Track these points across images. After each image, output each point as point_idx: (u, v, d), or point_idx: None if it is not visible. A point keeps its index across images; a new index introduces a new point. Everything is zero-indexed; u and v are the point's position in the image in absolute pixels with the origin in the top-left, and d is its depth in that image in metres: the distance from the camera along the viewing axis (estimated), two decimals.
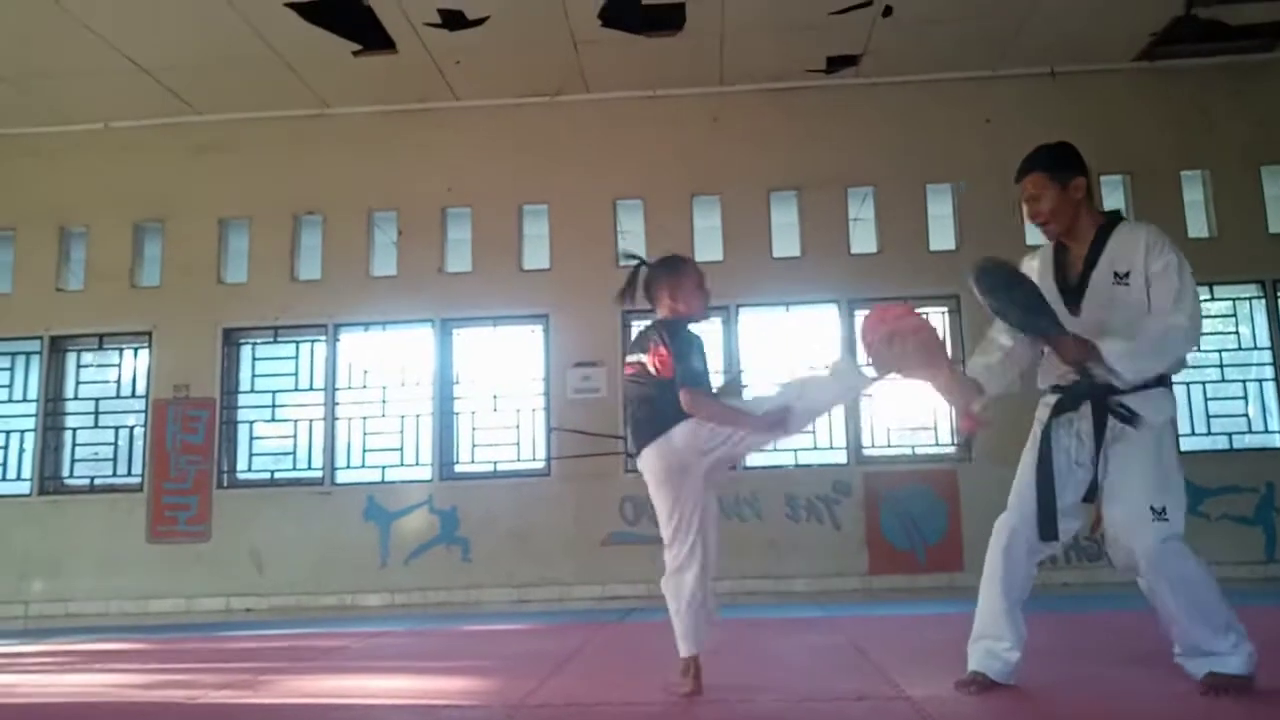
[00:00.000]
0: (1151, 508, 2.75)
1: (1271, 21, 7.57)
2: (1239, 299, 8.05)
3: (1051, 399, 3.00)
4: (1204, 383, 7.91)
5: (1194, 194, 8.16)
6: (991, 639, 2.94)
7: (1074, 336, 2.82)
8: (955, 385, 3.04)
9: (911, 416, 8.08)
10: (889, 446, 8.04)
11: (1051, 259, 3.08)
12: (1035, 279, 3.04)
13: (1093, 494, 2.89)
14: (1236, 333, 8.05)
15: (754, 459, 8.02)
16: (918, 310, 3.10)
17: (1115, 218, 3.03)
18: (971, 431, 3.19)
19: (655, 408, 3.22)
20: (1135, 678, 3.18)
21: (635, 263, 3.50)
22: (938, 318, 8.15)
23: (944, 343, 3.08)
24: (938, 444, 7.98)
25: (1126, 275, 2.87)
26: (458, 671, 4.14)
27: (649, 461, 3.28)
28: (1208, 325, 8.03)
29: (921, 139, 8.22)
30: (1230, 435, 7.85)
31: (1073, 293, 2.97)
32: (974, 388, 3.04)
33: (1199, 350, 7.95)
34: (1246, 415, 7.94)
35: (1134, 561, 2.79)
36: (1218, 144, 8.08)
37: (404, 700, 3.43)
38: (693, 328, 3.36)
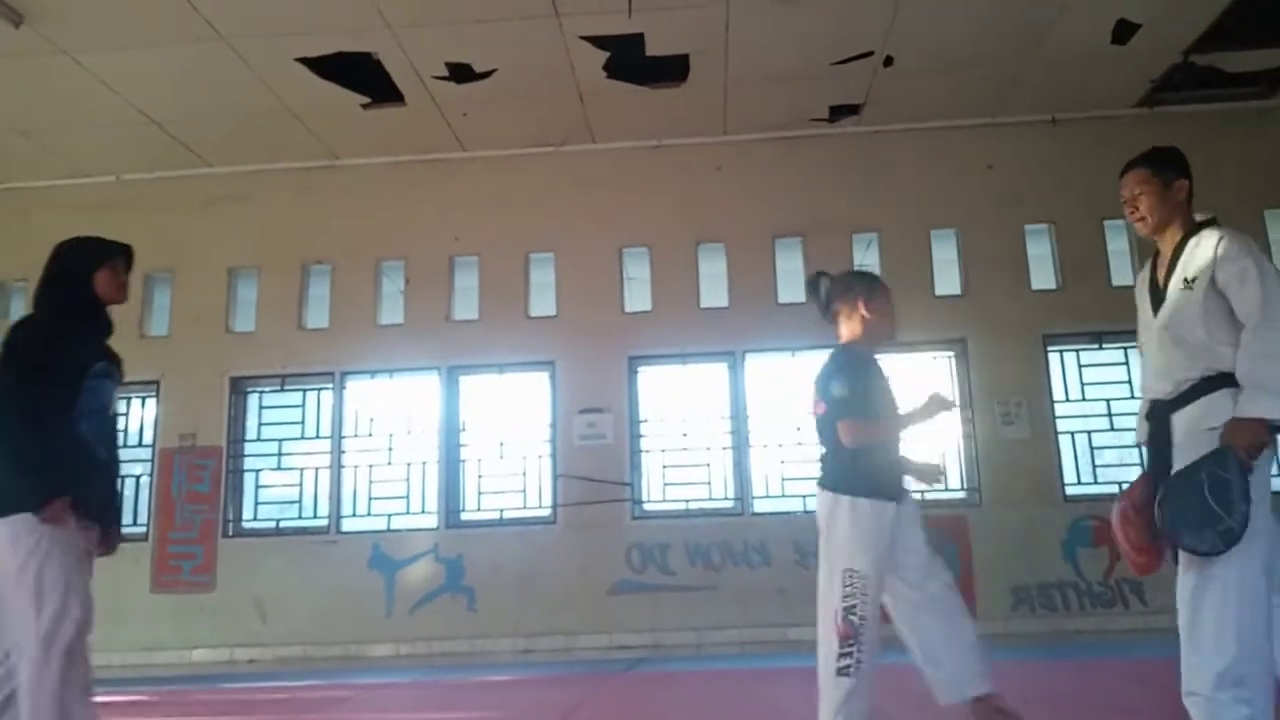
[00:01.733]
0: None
1: (1269, 69, 7.67)
2: None
3: (1146, 423, 2.94)
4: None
5: None
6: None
7: (1237, 427, 2.66)
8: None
9: (920, 459, 8.02)
10: None
11: (1149, 266, 3.09)
12: (1139, 289, 3.08)
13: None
14: None
15: (761, 506, 7.98)
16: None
17: (1204, 223, 3.00)
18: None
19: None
20: None
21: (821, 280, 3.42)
22: (944, 362, 8.16)
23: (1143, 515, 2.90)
24: (947, 488, 7.92)
25: (1193, 281, 2.84)
26: None
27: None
28: None
29: (924, 185, 8.30)
30: None
31: (1157, 296, 2.97)
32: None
33: None
34: None
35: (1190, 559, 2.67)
36: (1220, 189, 8.09)
37: None
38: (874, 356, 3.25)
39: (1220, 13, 6.81)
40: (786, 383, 8.26)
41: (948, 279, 8.21)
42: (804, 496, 7.99)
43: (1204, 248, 2.88)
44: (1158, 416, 2.87)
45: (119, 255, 3.26)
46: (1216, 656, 2.58)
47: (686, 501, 8.02)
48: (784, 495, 8.02)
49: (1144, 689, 2.80)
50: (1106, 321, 7.79)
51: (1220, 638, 2.59)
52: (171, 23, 6.43)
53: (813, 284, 3.46)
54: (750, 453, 8.05)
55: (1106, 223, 8.08)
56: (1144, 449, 2.95)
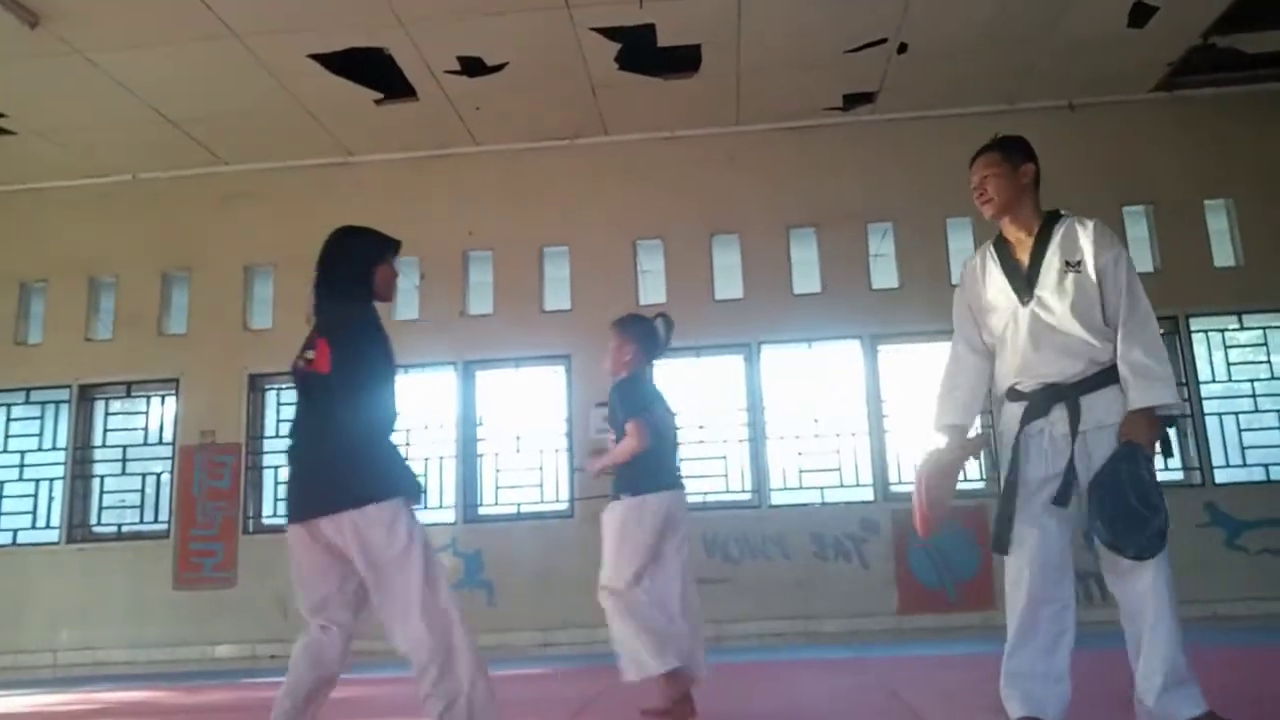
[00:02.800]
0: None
1: None
2: (1269, 328, 7.93)
3: (1016, 408, 2.94)
4: (1237, 413, 7.78)
5: (1218, 223, 8.09)
6: (1026, 678, 2.85)
7: (1135, 423, 2.73)
8: (963, 456, 3.09)
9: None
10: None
11: (994, 253, 3.07)
12: (978, 277, 3.07)
13: (1065, 499, 2.81)
14: (1268, 362, 7.92)
15: (779, 498, 7.95)
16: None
17: (1058, 213, 3.04)
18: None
19: None
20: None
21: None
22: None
23: (941, 477, 3.04)
24: (966, 479, 7.86)
25: (1078, 263, 2.88)
26: None
27: None
28: (1237, 355, 7.95)
29: (940, 173, 8.21)
30: (1267, 466, 7.69)
31: (1023, 281, 2.95)
32: (979, 444, 3.12)
33: (1230, 381, 7.85)
34: None
35: (1142, 583, 2.72)
36: (1241, 172, 8.03)
37: None
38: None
39: None
40: (803, 374, 8.23)
41: None
42: (821, 489, 7.97)
43: (1079, 234, 2.93)
44: (1063, 398, 2.83)
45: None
46: (1180, 652, 2.69)
47: (704, 494, 8.00)
48: (801, 488, 7.99)
49: (1108, 679, 2.78)
50: None
51: (1175, 636, 2.70)
52: (185, 21, 6.45)
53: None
54: (767, 445, 8.03)
55: (1126, 209, 7.99)
56: (1023, 433, 2.89)
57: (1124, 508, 2.67)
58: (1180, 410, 2.81)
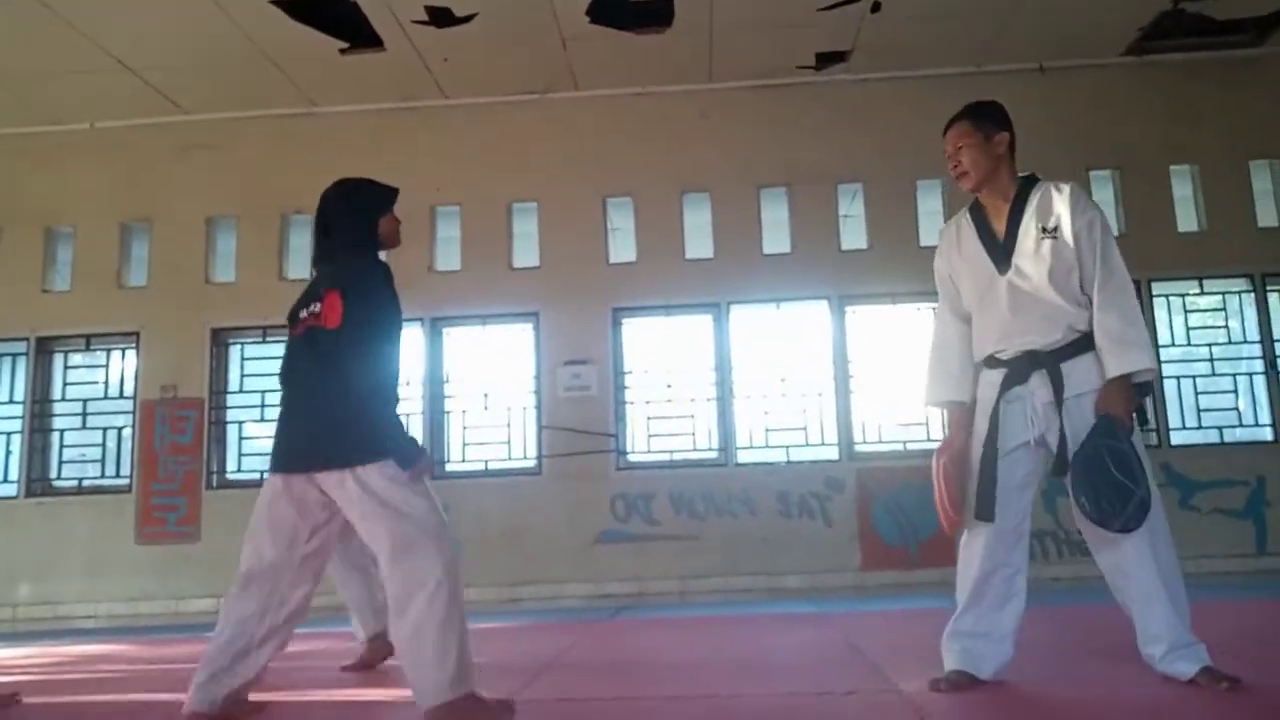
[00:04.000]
0: None
1: (1258, 15, 7.60)
2: (1228, 293, 8.07)
3: (994, 375, 2.95)
4: (1194, 377, 7.94)
5: (1183, 188, 8.18)
6: (969, 636, 2.91)
7: (1112, 392, 2.74)
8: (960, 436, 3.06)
9: (903, 412, 8.08)
10: (881, 442, 8.04)
11: (970, 220, 3.07)
12: (955, 244, 3.08)
13: (1063, 468, 2.83)
14: (1226, 327, 8.07)
15: (745, 456, 8.02)
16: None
17: (1034, 178, 3.03)
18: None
19: None
20: (1127, 672, 3.18)
21: None
22: (929, 313, 8.15)
23: (958, 468, 3.00)
24: (929, 439, 7.97)
25: (1055, 229, 2.87)
26: None
27: None
28: (1197, 319, 8.09)
29: (911, 135, 8.20)
30: (1221, 429, 7.88)
31: (1000, 249, 2.95)
32: (969, 412, 3.04)
33: (1189, 345, 7.99)
34: (1237, 409, 7.97)
35: (1129, 545, 2.75)
36: (1207, 138, 8.10)
37: (395, 698, 3.40)
38: None
39: None
40: (771, 335, 8.26)
41: (934, 230, 8.17)
42: (787, 448, 8.04)
43: (1053, 198, 2.92)
44: (1043, 365, 2.84)
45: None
46: (1182, 608, 2.74)
47: (671, 452, 8.06)
48: (768, 446, 8.06)
49: (1123, 634, 2.86)
50: None
51: (1180, 584, 2.76)
52: None
53: None
54: (734, 404, 8.08)
55: (1092, 173, 8.05)
56: (1004, 402, 2.89)
57: (1107, 480, 2.67)
58: (1153, 377, 2.82)
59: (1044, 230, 2.88)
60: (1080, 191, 2.94)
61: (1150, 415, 7.83)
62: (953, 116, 3.12)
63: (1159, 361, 7.77)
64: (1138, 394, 2.81)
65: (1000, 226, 2.99)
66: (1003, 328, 2.91)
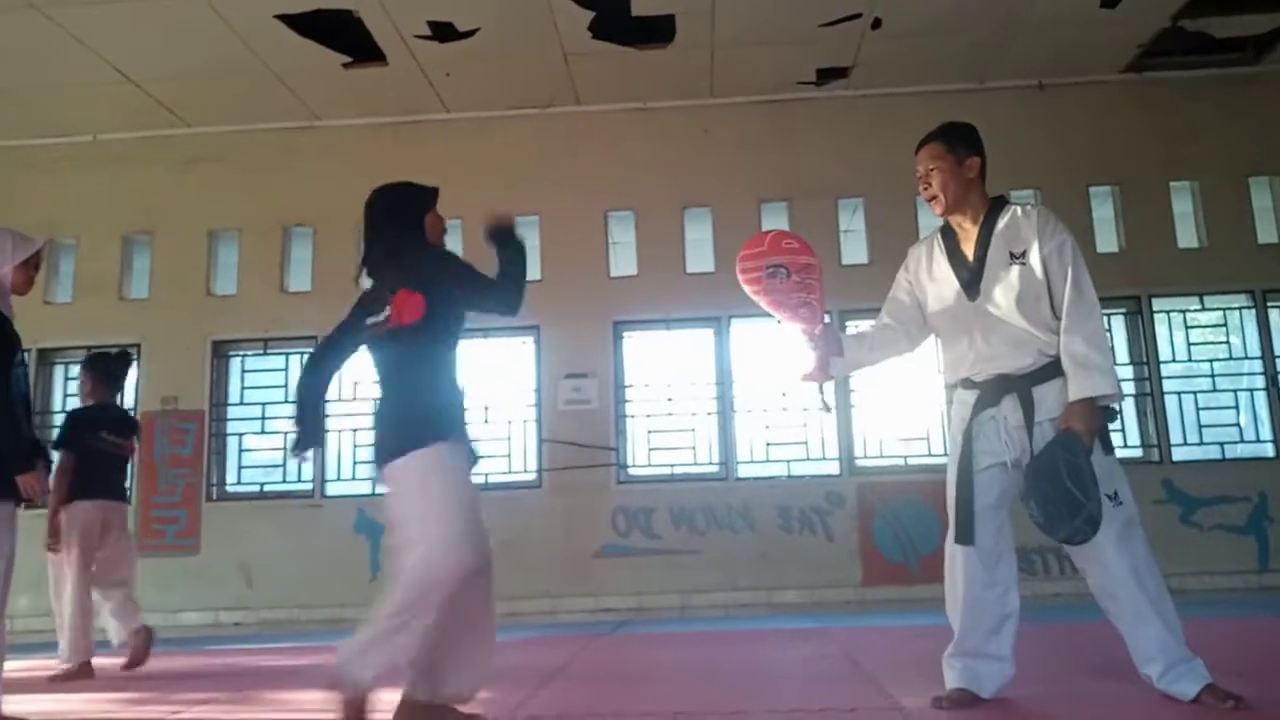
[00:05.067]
0: (1106, 495, 2.70)
1: (1256, 34, 7.64)
2: (1229, 309, 8.08)
3: (968, 396, 2.95)
4: (1195, 393, 7.93)
5: (1183, 205, 8.20)
6: (971, 656, 2.89)
7: (1074, 413, 2.73)
8: (823, 336, 3.09)
9: (904, 426, 8.08)
10: (881, 457, 8.03)
11: (941, 243, 3.07)
12: (925, 265, 3.09)
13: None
14: (1227, 343, 8.07)
15: (745, 471, 8.01)
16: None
17: (1003, 200, 3.02)
18: (814, 381, 3.11)
19: None
20: (1129, 690, 3.17)
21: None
22: None
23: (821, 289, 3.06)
24: (930, 454, 7.97)
25: (1023, 255, 2.86)
26: None
27: None
28: (1198, 335, 8.09)
29: (911, 150, 8.16)
30: (1222, 445, 7.87)
31: (970, 274, 2.94)
32: (837, 346, 3.10)
33: (1190, 361, 7.99)
34: (1238, 425, 7.96)
35: (1096, 554, 2.74)
36: (1206, 155, 8.13)
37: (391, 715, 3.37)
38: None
39: None
40: (772, 349, 8.26)
41: None
42: (788, 462, 8.03)
43: (1020, 222, 2.91)
44: (1014, 389, 2.83)
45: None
46: (1171, 635, 2.71)
47: (671, 466, 8.05)
48: (768, 460, 8.05)
49: (1124, 651, 2.84)
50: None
51: (1168, 602, 2.72)
52: None
53: None
54: (735, 418, 8.07)
55: (1092, 189, 8.08)
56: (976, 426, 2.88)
57: (1057, 491, 2.67)
58: (1117, 402, 2.81)
59: (1013, 256, 2.88)
60: (1049, 215, 2.92)
61: (1152, 431, 7.83)
62: (925, 136, 3.11)
63: (1160, 378, 7.85)
64: (1102, 416, 2.80)
65: (969, 250, 2.98)
66: (975, 353, 2.92)
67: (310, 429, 3.26)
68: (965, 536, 2.84)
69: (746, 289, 3.07)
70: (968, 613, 2.87)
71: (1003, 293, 2.87)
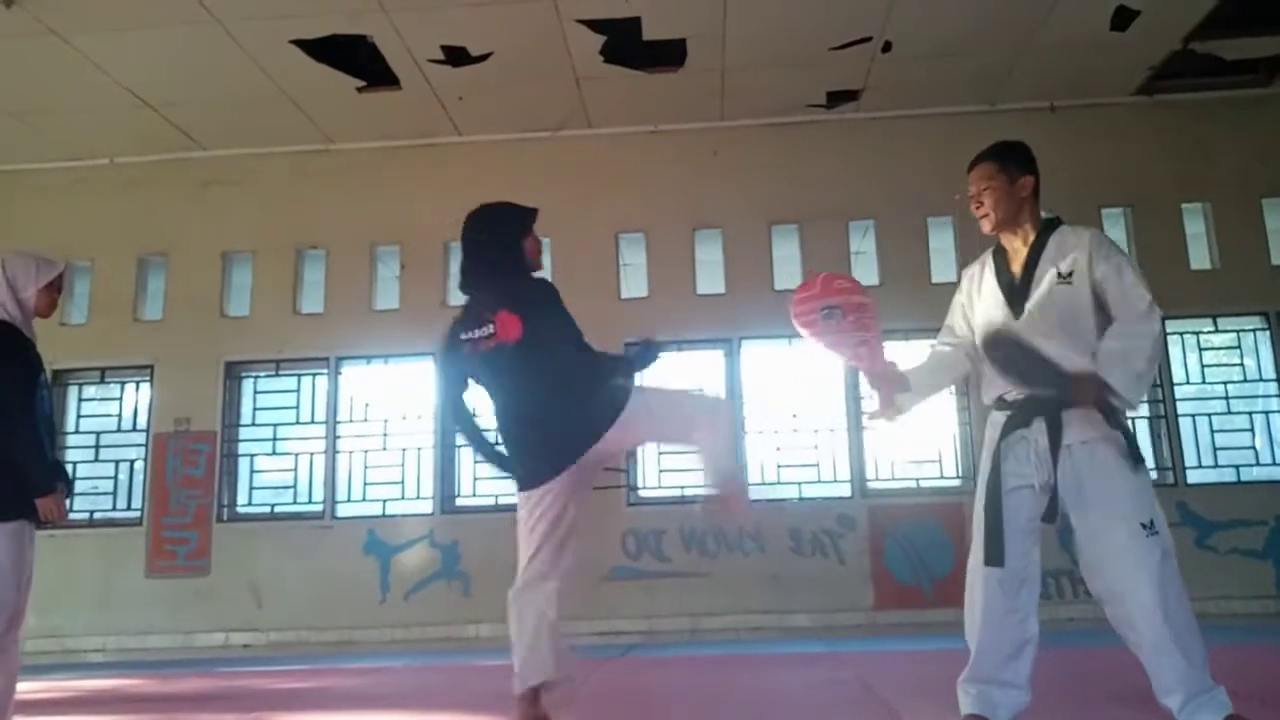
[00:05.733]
0: (1141, 524, 2.67)
1: (1268, 56, 7.64)
2: (1243, 331, 8.03)
3: (999, 417, 2.93)
4: (1210, 415, 7.87)
5: (1195, 226, 8.18)
6: (987, 682, 2.84)
7: (1081, 377, 2.72)
8: (885, 373, 3.04)
9: (916, 448, 8.04)
10: (893, 479, 7.99)
11: (991, 262, 3.06)
12: (976, 284, 3.07)
13: (1052, 516, 2.80)
14: (1241, 365, 8.02)
15: (758, 492, 7.98)
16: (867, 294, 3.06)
17: (1056, 221, 3.01)
18: (884, 419, 3.08)
19: None
20: (1147, 717, 3.12)
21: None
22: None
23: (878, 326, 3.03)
24: (942, 476, 7.93)
25: (1070, 275, 2.84)
26: (456, 708, 4.08)
27: None
28: (1211, 357, 8.04)
29: (921, 173, 8.26)
30: (1238, 468, 7.80)
31: (1016, 293, 2.93)
32: (902, 381, 3.05)
33: (1204, 383, 7.94)
34: (1254, 448, 7.90)
35: (1124, 587, 2.71)
36: (1218, 176, 8.11)
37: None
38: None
39: None
40: (783, 370, 8.25)
41: (944, 267, 8.19)
42: (799, 484, 8.00)
43: (1072, 242, 2.89)
44: (1044, 412, 2.80)
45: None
46: (1196, 656, 2.65)
47: (682, 488, 8.02)
48: (779, 482, 8.02)
49: (1142, 678, 2.80)
50: None
51: (1198, 634, 2.67)
52: (165, 4, 6.37)
53: None
54: (745, 440, 8.05)
55: (1104, 210, 8.07)
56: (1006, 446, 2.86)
57: (1033, 361, 2.70)
58: (1125, 393, 2.76)
59: (1060, 275, 2.86)
60: (1102, 236, 2.90)
61: (1166, 453, 7.77)
62: (977, 155, 3.09)
63: (1174, 400, 7.79)
64: (1103, 393, 2.74)
65: (1017, 269, 2.97)
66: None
67: (491, 455, 3.48)
68: (995, 558, 2.79)
69: (803, 333, 3.03)
70: (986, 637, 2.83)
71: (1046, 311, 2.85)
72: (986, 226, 3.03)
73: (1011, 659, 2.83)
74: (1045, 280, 2.88)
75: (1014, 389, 2.89)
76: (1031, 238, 2.97)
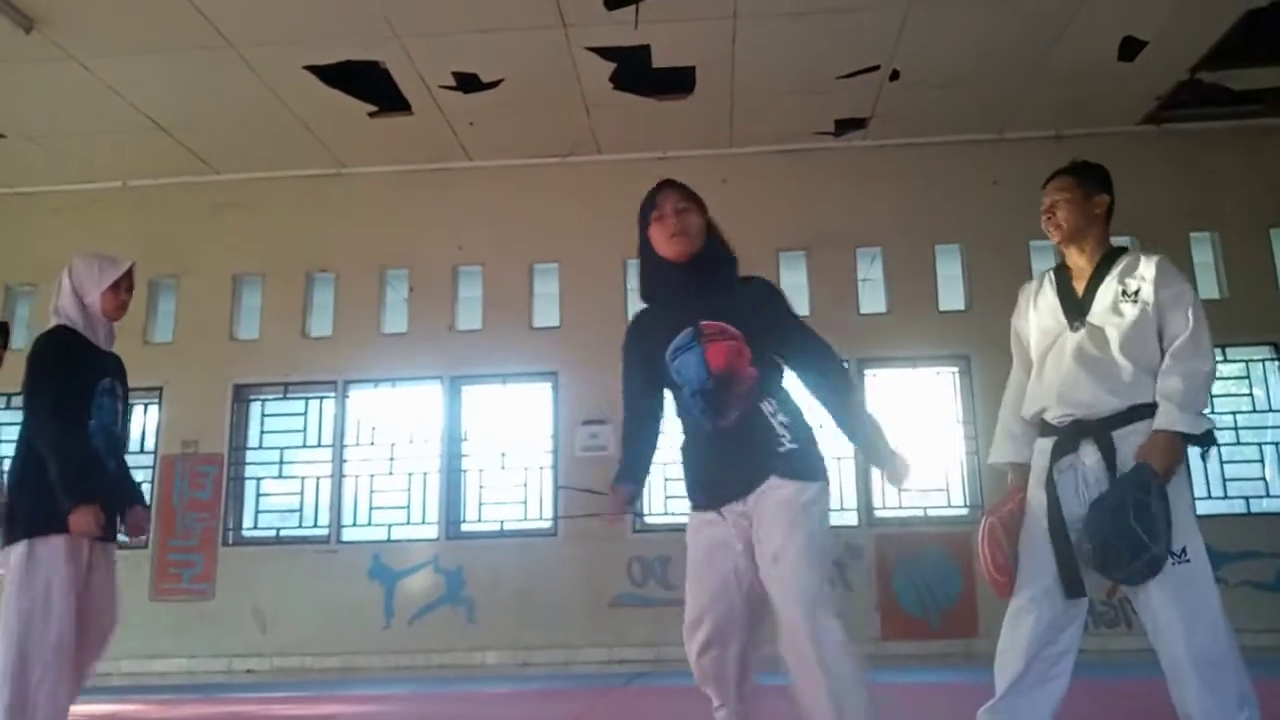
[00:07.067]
0: (1171, 552, 2.64)
1: (1275, 86, 7.66)
2: (1252, 361, 8.00)
3: (1046, 443, 2.89)
4: (1219, 446, 7.80)
5: (1203, 256, 8.17)
6: (1006, 713, 2.79)
7: (1153, 444, 2.68)
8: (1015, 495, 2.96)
9: (923, 477, 8.00)
10: (901, 508, 7.95)
11: (1053, 277, 3.05)
12: (1032, 299, 3.06)
13: None
14: (1250, 395, 7.99)
15: None
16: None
17: (1125, 247, 3.03)
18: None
19: None
20: None
21: None
22: (948, 378, 8.13)
23: (1010, 532, 2.89)
24: (950, 505, 7.89)
25: (1136, 293, 2.83)
26: None
27: None
28: (1220, 388, 8.01)
29: (929, 200, 8.29)
30: (1247, 499, 7.74)
31: (1077, 307, 2.91)
32: (1020, 477, 2.97)
33: (1213, 413, 7.90)
34: (1264, 479, 7.84)
35: (1150, 614, 2.67)
36: (1226, 206, 8.12)
37: None
38: None
39: (1227, 30, 6.81)
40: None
41: (952, 294, 8.19)
42: None
43: (1140, 266, 2.89)
44: (1091, 434, 2.78)
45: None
46: (1221, 687, 2.61)
47: (688, 515, 7.97)
48: None
49: (1154, 711, 2.77)
50: None
51: (1230, 664, 2.63)
52: (181, 30, 6.45)
53: None
54: None
55: (1111, 240, 8.06)
56: (1057, 470, 2.82)
57: (1119, 528, 2.60)
58: (1199, 432, 2.74)
59: (1124, 293, 2.84)
60: (1169, 263, 2.89)
61: None
62: (1055, 170, 3.12)
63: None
64: (1199, 444, 2.74)
65: (1080, 285, 2.96)
66: (1061, 385, 2.85)
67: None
68: (1075, 589, 2.72)
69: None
70: (1019, 670, 2.76)
71: (1108, 327, 2.83)
72: (1056, 237, 3.02)
73: (1036, 688, 2.77)
74: (1108, 296, 2.87)
75: (1059, 409, 2.85)
76: (1098, 257, 2.96)
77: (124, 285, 3.45)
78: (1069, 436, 2.82)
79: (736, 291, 2.75)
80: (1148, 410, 2.74)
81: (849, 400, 2.81)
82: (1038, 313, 3.03)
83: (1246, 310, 7.88)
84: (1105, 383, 2.78)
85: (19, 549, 3.15)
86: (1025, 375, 3.06)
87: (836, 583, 7.71)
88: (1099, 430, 2.77)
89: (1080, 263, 3.00)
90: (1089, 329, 2.86)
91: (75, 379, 3.29)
